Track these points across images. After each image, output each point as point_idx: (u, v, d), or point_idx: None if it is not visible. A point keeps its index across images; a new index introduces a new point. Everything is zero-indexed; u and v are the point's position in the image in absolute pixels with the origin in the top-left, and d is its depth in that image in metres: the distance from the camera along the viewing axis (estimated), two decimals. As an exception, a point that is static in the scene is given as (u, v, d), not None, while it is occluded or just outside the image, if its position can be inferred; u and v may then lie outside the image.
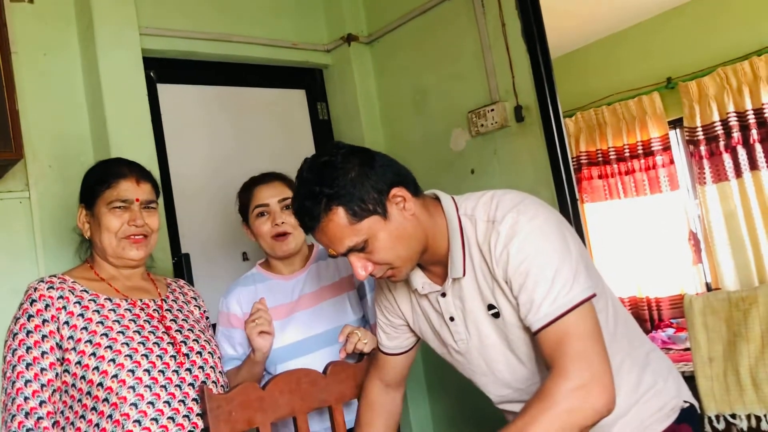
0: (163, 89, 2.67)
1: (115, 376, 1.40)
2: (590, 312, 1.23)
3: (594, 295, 1.24)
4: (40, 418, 1.38)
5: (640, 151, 4.59)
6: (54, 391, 1.41)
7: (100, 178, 1.59)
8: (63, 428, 1.41)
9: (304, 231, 1.31)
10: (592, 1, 4.04)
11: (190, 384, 1.48)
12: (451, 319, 1.39)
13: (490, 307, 1.33)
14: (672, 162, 4.46)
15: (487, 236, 1.28)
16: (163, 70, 2.66)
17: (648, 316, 4.62)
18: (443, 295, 1.38)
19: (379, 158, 1.30)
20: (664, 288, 4.56)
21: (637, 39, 4.54)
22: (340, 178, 1.23)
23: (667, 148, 4.47)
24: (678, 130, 4.48)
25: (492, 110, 2.55)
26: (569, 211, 2.43)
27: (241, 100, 2.94)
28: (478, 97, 2.64)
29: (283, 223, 1.87)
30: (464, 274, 1.33)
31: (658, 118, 4.47)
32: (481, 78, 2.62)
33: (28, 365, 1.40)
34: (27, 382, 1.39)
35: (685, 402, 1.44)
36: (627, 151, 4.67)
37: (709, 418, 2.14)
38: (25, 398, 1.38)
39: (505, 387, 1.42)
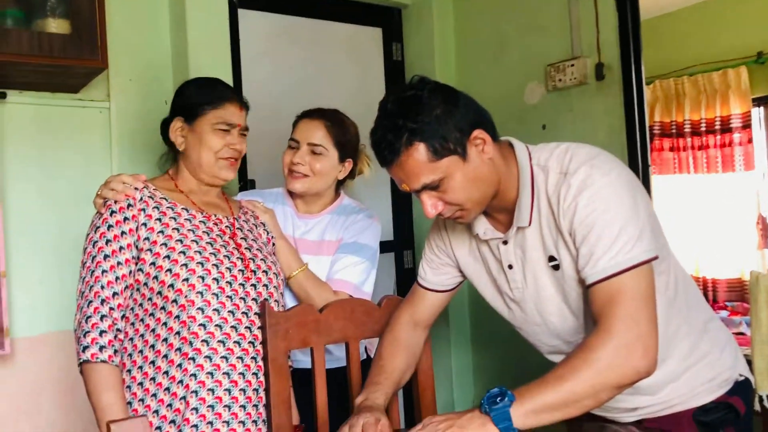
0: (243, 14, 2.69)
1: (186, 279, 1.46)
2: (648, 274, 1.21)
3: (655, 258, 1.22)
4: (112, 308, 1.45)
5: (718, 127, 4.41)
6: (127, 287, 1.48)
7: (208, 98, 1.62)
8: (132, 323, 1.49)
9: (381, 163, 1.29)
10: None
11: (254, 299, 1.53)
12: (510, 267, 1.39)
13: (551, 258, 1.32)
14: (750, 141, 4.28)
15: (558, 187, 1.27)
16: (245, -5, 2.67)
17: (703, 297, 4.52)
18: (505, 242, 1.38)
19: (463, 98, 1.29)
20: (723, 270, 4.44)
21: (730, 9, 4.31)
22: (424, 114, 1.22)
23: (747, 126, 4.28)
24: (762, 108, 4.29)
25: (572, 65, 2.49)
26: (640, 179, 2.38)
27: (318, 32, 2.94)
28: (559, 50, 2.57)
29: (300, 163, 1.87)
30: (530, 224, 1.32)
31: (742, 93, 4.28)
32: (564, 31, 2.55)
33: (106, 257, 1.47)
34: (104, 272, 1.46)
35: (741, 375, 1.42)
36: (703, 125, 4.49)
37: (760, 397, 2.11)
38: (102, 287, 1.45)
39: (556, 338, 1.42)
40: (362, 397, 1.41)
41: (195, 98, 1.64)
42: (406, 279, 3.13)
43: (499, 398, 1.15)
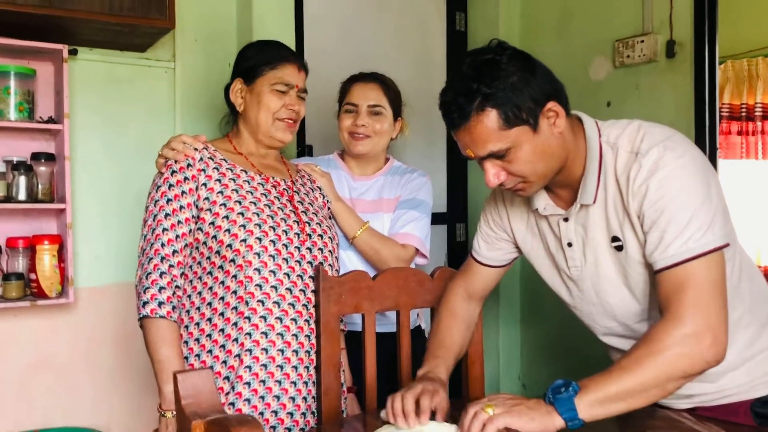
0: (308, -23, 2.68)
1: (244, 240, 1.48)
2: (719, 262, 1.17)
3: (727, 245, 1.18)
4: (171, 265, 1.48)
5: (791, 112, 4.23)
6: (186, 245, 1.51)
7: (267, 58, 1.63)
8: (191, 281, 1.53)
9: (449, 125, 1.25)
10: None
11: (309, 262, 1.55)
12: (569, 244, 1.36)
13: (615, 239, 1.29)
14: (824, 128, 4.09)
15: (628, 167, 1.23)
16: (310, -41, 2.66)
17: (763, 287, 4.38)
18: (565, 219, 1.35)
19: (540, 67, 1.24)
20: (787, 260, 4.29)
21: (813, -13, 4.10)
22: (500, 80, 1.18)
23: (822, 112, 4.09)
24: (842, 94, 4.08)
25: (642, 41, 2.40)
26: (706, 161, 2.30)
27: (381, -1, 2.91)
28: (629, 25, 2.49)
29: (363, 125, 1.90)
30: (594, 202, 1.29)
31: (821, 78, 4.08)
32: (636, 5, 2.46)
33: (166, 215, 1.50)
34: (164, 230, 1.49)
35: (804, 370, 1.37)
36: (776, 109, 4.31)
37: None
38: (162, 244, 1.48)
39: (612, 319, 1.40)
40: (425, 369, 1.41)
41: (254, 59, 1.65)
42: (458, 252, 3.12)
43: (563, 388, 1.13)
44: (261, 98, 1.61)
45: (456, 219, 3.15)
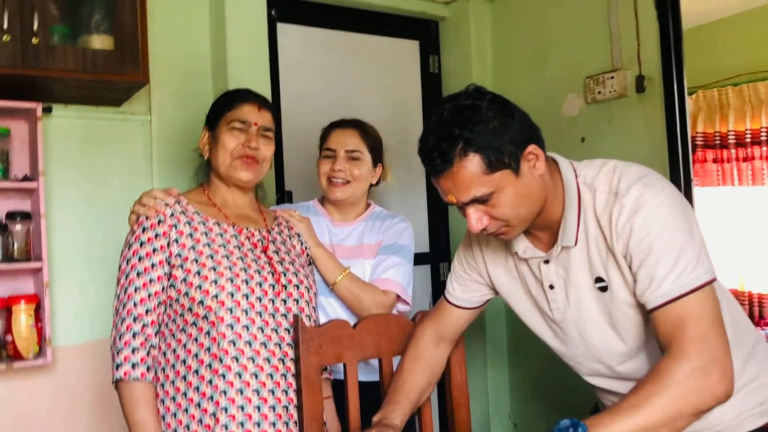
0: (282, 28, 2.72)
1: (215, 296, 1.47)
2: (712, 295, 1.18)
3: (715, 279, 1.19)
4: (144, 324, 1.47)
5: (764, 138, 4.30)
6: (159, 303, 1.49)
7: (226, 101, 1.67)
8: (166, 338, 1.50)
9: (430, 172, 1.25)
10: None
11: (284, 314, 1.53)
12: (551, 287, 1.36)
13: (598, 279, 1.29)
14: (798, 153, 4.16)
15: (608, 208, 1.24)
16: (283, 9, 2.70)
17: (748, 312, 4.40)
18: (546, 261, 1.35)
19: (518, 111, 1.25)
20: (769, 285, 4.32)
21: (776, 17, 4.21)
22: (481, 125, 1.18)
23: (794, 137, 4.17)
24: (811, 119, 4.16)
25: (612, 77, 2.45)
26: (682, 193, 2.32)
27: (355, 45, 2.95)
28: (599, 62, 2.53)
29: (341, 170, 1.91)
30: (575, 243, 1.29)
31: (789, 104, 4.16)
32: (604, 43, 2.51)
33: (138, 274, 1.49)
34: (136, 289, 1.48)
35: (791, 400, 1.37)
36: (749, 136, 4.38)
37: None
38: (134, 304, 1.47)
39: (596, 361, 1.39)
40: (379, 416, 1.41)
41: (215, 106, 1.69)
42: (442, 291, 3.10)
43: (571, 429, 1.10)
44: (219, 139, 1.62)
45: (439, 258, 3.15)
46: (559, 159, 1.34)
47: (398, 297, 1.86)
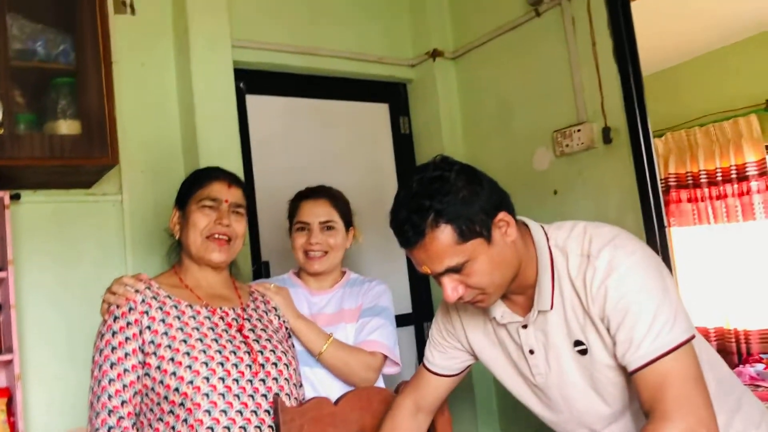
0: (251, 100, 2.74)
1: (191, 382, 1.43)
2: (691, 354, 1.17)
3: (693, 337, 1.19)
4: (121, 417, 1.42)
5: (734, 176, 4.38)
6: (135, 393, 1.45)
7: (195, 179, 1.66)
8: (144, 428, 1.46)
9: (402, 244, 1.25)
10: (686, 20, 3.89)
11: (263, 395, 1.50)
12: (531, 351, 1.34)
13: (577, 343, 1.28)
14: (768, 188, 4.23)
15: (582, 270, 1.23)
16: (251, 81, 2.73)
17: (735, 350, 4.39)
18: (524, 326, 1.34)
19: (486, 179, 1.26)
20: (754, 320, 4.32)
21: (734, 59, 4.34)
22: (451, 195, 1.19)
23: (763, 173, 4.26)
24: (777, 155, 4.25)
25: (578, 130, 2.49)
26: (656, 238, 2.34)
27: (325, 112, 2.98)
28: (565, 116, 2.58)
29: (317, 243, 1.90)
30: (552, 308, 1.28)
31: (755, 141, 4.26)
32: (569, 97, 2.56)
33: (112, 365, 1.45)
34: (111, 381, 1.44)
35: (779, 452, 1.35)
36: (719, 174, 4.46)
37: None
38: (109, 396, 1.43)
39: (582, 426, 1.36)
40: None
41: (184, 185, 1.68)
42: (427, 352, 3.07)
43: None
44: (190, 218, 1.60)
45: (422, 318, 3.12)
46: (530, 223, 1.34)
47: (385, 358, 1.83)
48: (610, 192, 2.45)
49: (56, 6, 2.06)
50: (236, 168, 2.37)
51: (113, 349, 1.46)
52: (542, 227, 1.33)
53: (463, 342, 1.48)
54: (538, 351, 1.33)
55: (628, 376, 1.21)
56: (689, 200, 4.65)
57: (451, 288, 1.23)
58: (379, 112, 3.16)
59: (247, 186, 2.55)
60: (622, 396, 1.27)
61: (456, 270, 1.22)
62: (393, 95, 3.19)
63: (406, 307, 3.09)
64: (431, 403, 1.55)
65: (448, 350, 1.50)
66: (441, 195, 1.19)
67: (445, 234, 1.19)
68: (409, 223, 1.21)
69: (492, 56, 2.90)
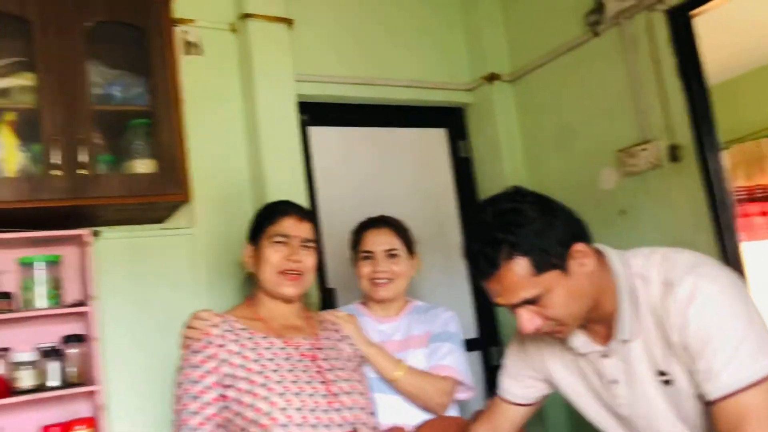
0: (314, 131, 2.81)
1: (268, 413, 1.46)
2: None
3: None
4: None
5: (807, 187, 4.22)
6: (217, 425, 1.49)
7: (266, 215, 1.70)
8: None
9: (477, 276, 1.24)
10: (747, 31, 3.79)
11: (339, 425, 1.51)
12: (614, 381, 1.32)
13: (661, 373, 1.25)
14: None
15: (664, 299, 1.21)
16: (314, 112, 2.79)
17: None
18: (605, 356, 1.32)
19: (561, 209, 1.25)
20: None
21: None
22: (525, 227, 1.18)
23: (839, 183, 4.08)
24: None
25: (644, 149, 2.45)
26: (729, 256, 2.28)
27: (385, 140, 3.02)
28: (628, 135, 2.54)
29: (383, 271, 1.93)
30: (633, 337, 1.26)
31: (828, 150, 4.10)
32: (631, 116, 2.53)
33: (193, 398, 1.49)
34: (193, 413, 1.48)
35: None
36: (792, 186, 4.31)
37: None
38: (191, 429, 1.47)
39: None
40: None
41: (256, 220, 1.73)
42: (495, 377, 3.03)
43: None
44: (263, 254, 1.65)
45: (489, 343, 3.09)
46: (606, 250, 1.31)
47: (457, 383, 1.84)
48: (680, 211, 2.39)
49: (131, 51, 2.16)
50: (302, 199, 2.43)
51: (194, 382, 1.51)
52: (620, 254, 1.30)
53: (539, 371, 1.46)
54: (622, 381, 1.31)
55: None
56: (761, 214, 4.49)
57: (526, 320, 1.22)
58: (437, 138, 3.18)
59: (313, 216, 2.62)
60: (709, 426, 1.24)
61: (532, 301, 1.20)
62: (451, 120, 3.21)
63: (472, 333, 3.07)
64: None
65: (524, 379, 1.49)
66: (515, 227, 1.18)
67: (519, 266, 1.18)
68: (482, 255, 1.20)
69: (550, 78, 2.90)
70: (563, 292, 1.20)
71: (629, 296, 1.25)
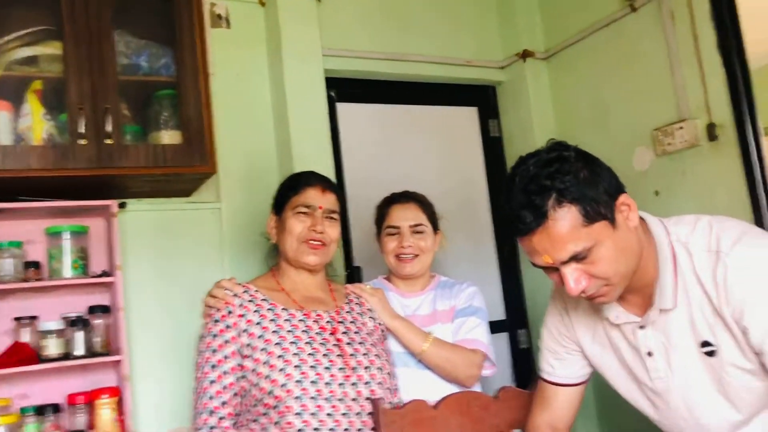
0: (341, 108, 2.78)
1: (283, 385, 1.45)
2: None
3: None
4: (221, 417, 1.46)
5: None
6: (235, 394, 1.48)
7: (290, 186, 1.69)
8: (241, 428, 1.48)
9: (519, 232, 1.15)
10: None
11: (353, 399, 1.49)
12: (649, 354, 1.27)
13: (705, 344, 1.20)
14: None
15: (711, 268, 1.16)
16: (342, 89, 2.76)
17: None
18: (641, 327, 1.27)
19: (602, 163, 1.20)
20: None
21: None
22: (571, 175, 1.11)
23: None
24: None
25: (681, 128, 2.37)
26: (769, 239, 2.20)
27: (414, 117, 2.98)
28: (665, 114, 2.46)
29: (409, 246, 1.91)
30: (675, 306, 1.21)
31: None
32: (669, 94, 2.45)
33: (213, 367, 1.49)
34: (211, 382, 1.48)
35: None
36: (835, 173, 4.15)
37: None
38: (210, 397, 1.47)
39: None
40: None
41: (280, 191, 1.71)
42: (522, 360, 3.00)
43: None
44: (286, 224, 1.64)
45: (517, 325, 3.05)
46: (647, 217, 1.26)
47: (485, 356, 1.82)
48: (717, 192, 2.31)
49: (158, 22, 2.15)
50: (328, 174, 2.38)
51: (213, 351, 1.50)
52: (661, 221, 1.25)
53: (577, 342, 1.41)
54: (658, 353, 1.26)
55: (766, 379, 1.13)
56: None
57: (574, 279, 1.14)
58: (468, 116, 3.13)
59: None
60: (754, 401, 1.19)
61: (580, 258, 1.13)
62: (482, 98, 3.15)
63: (500, 314, 3.03)
64: (567, 418, 1.46)
65: (566, 356, 1.44)
66: (561, 174, 1.11)
67: (570, 215, 1.10)
68: (529, 206, 1.12)
69: (585, 55, 2.82)
70: (612, 245, 1.13)
71: (671, 264, 1.20)
